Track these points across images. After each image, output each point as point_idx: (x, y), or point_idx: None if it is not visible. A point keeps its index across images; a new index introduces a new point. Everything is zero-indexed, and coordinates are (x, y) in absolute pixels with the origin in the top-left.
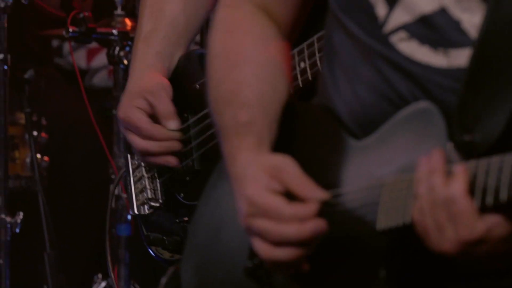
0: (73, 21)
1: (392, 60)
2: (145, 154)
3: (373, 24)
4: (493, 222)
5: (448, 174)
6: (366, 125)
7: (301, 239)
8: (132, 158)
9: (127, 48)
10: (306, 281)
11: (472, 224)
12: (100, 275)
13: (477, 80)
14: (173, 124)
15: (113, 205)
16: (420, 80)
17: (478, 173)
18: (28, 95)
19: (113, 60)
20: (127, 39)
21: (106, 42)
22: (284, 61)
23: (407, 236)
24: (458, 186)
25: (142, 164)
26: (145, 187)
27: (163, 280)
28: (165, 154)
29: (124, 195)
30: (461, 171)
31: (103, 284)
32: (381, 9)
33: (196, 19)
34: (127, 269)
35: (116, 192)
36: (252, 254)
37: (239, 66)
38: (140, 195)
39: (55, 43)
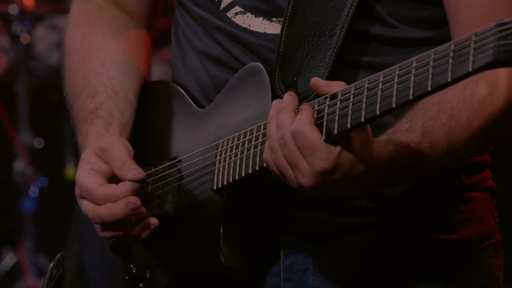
0: None
1: (230, 32)
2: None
3: (212, 4)
4: (341, 149)
5: (296, 112)
6: (214, 95)
7: (117, 218)
8: None
9: None
10: (159, 249)
11: (323, 154)
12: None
13: (292, 41)
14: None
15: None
16: (255, 47)
17: (320, 108)
18: None
19: None
20: None
21: None
22: (137, 46)
23: (241, 191)
24: (303, 118)
25: None
26: None
27: (51, 264)
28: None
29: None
30: (304, 106)
31: (12, 255)
32: None
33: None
34: (34, 243)
35: (20, 168)
36: None
37: (87, 59)
38: None
39: None
